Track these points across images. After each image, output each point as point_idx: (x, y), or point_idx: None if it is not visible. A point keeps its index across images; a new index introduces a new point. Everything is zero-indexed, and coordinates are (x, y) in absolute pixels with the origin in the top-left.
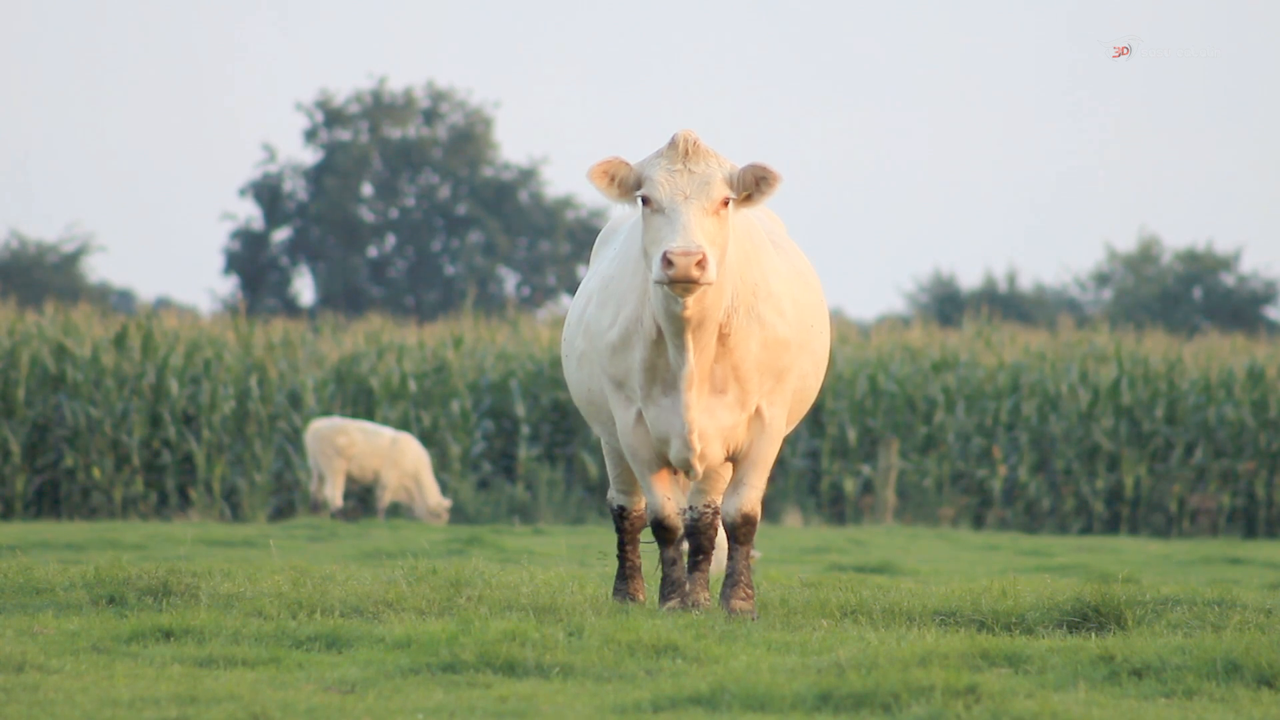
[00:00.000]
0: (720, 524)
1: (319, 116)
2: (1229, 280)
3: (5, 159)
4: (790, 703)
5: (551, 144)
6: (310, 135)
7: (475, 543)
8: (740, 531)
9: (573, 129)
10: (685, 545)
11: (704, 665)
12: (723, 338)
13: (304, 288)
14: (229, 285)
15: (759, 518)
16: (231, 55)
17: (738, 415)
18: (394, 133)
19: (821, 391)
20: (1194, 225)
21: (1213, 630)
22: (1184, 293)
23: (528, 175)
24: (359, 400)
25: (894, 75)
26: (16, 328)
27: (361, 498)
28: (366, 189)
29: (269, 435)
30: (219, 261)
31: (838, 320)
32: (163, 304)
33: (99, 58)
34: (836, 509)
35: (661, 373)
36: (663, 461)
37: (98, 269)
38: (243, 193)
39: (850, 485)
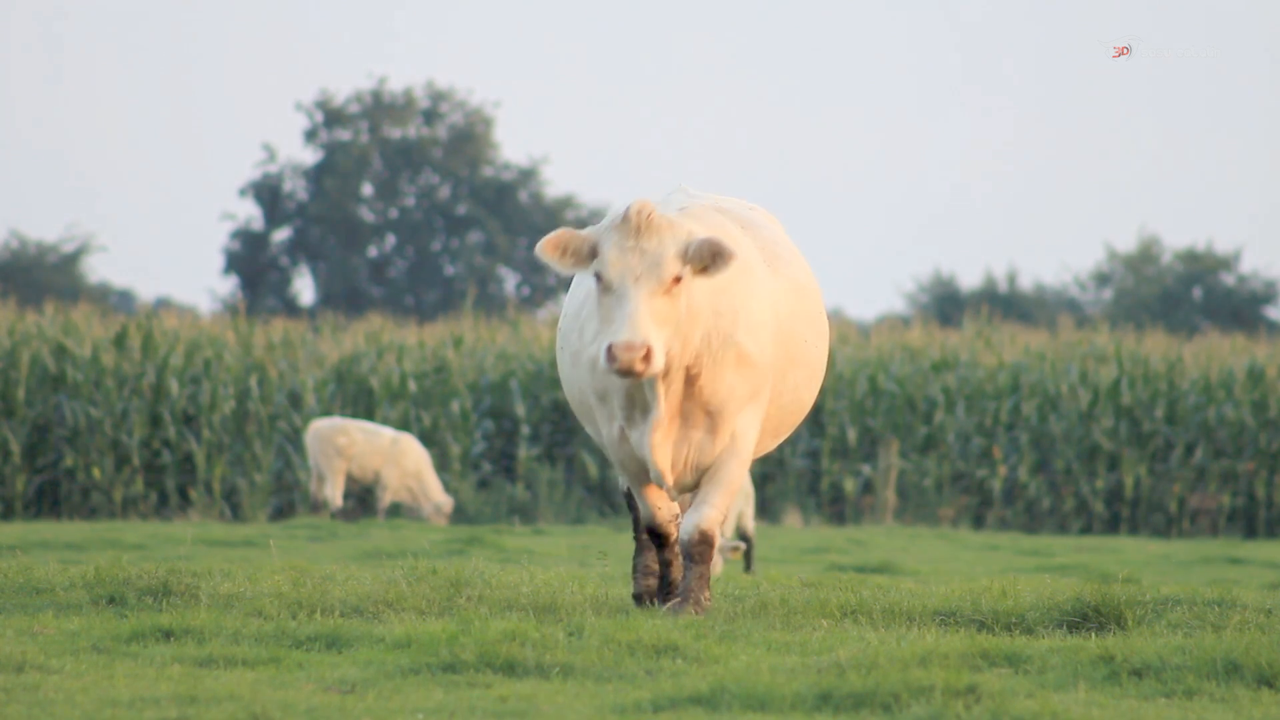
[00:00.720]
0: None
1: (319, 116)
2: (1229, 280)
3: (5, 159)
4: (790, 703)
5: (551, 144)
6: (310, 135)
7: (475, 543)
8: (695, 550)
9: (573, 129)
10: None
11: (704, 665)
12: (692, 379)
13: (304, 288)
14: (229, 285)
15: (717, 538)
16: (231, 55)
17: (709, 445)
18: (394, 133)
19: (822, 391)
20: (1194, 225)
21: (1213, 630)
22: (1184, 293)
23: (528, 175)
24: (359, 400)
25: (894, 75)
26: (16, 328)
27: (361, 498)
28: (366, 189)
29: (269, 435)
30: (219, 261)
31: (838, 320)
32: (163, 304)
33: (99, 58)
34: (836, 509)
35: (639, 399)
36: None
37: (98, 269)
38: (243, 193)
39: (850, 485)
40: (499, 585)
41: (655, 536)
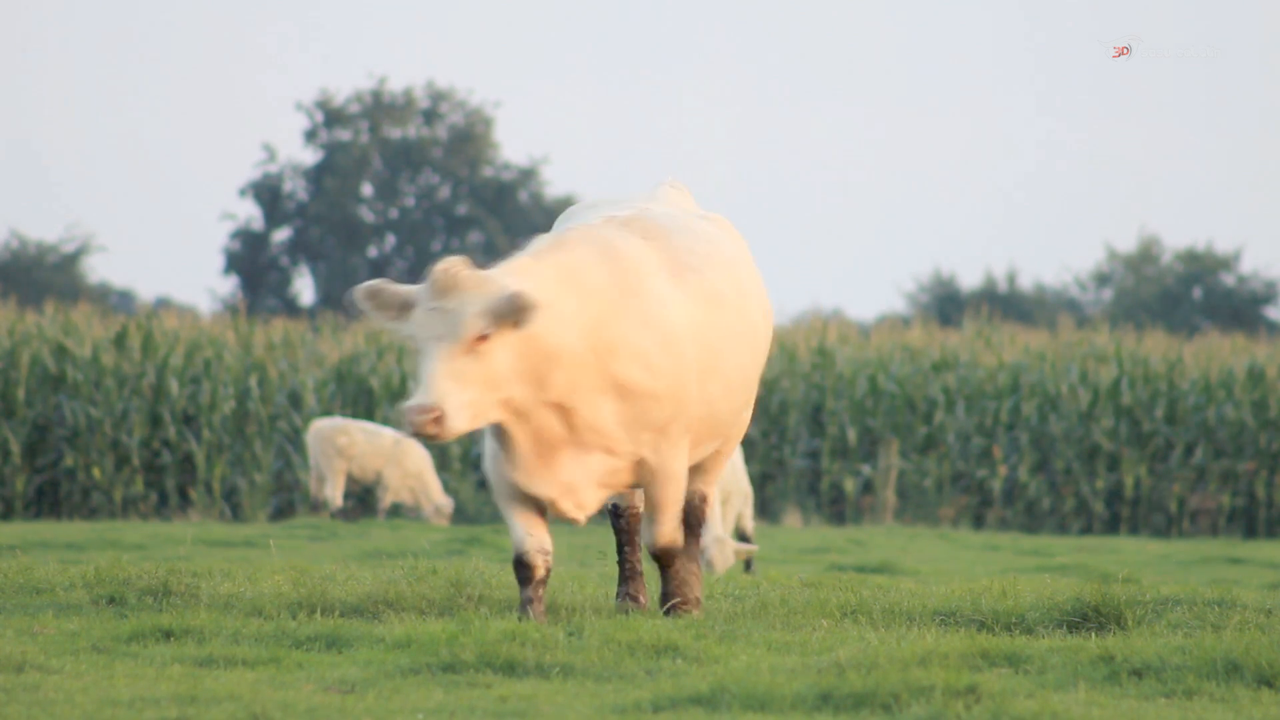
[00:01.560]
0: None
1: (319, 116)
2: (1229, 280)
3: (5, 159)
4: (790, 703)
5: (551, 144)
6: (310, 135)
7: (475, 543)
8: (664, 559)
9: (573, 129)
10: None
11: (704, 665)
12: (567, 411)
13: (304, 288)
14: (229, 285)
15: (680, 542)
16: (231, 55)
17: (610, 464)
18: (394, 133)
19: (822, 392)
20: (1194, 225)
21: (1213, 630)
22: (1184, 293)
23: (528, 175)
24: (359, 400)
25: (894, 74)
26: (16, 328)
27: (361, 498)
28: (366, 189)
29: (269, 435)
30: (219, 261)
31: (838, 320)
32: (163, 304)
33: (99, 58)
34: (836, 509)
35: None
36: (529, 498)
37: (98, 269)
38: (243, 193)
39: (850, 485)
40: (499, 585)
41: (521, 568)
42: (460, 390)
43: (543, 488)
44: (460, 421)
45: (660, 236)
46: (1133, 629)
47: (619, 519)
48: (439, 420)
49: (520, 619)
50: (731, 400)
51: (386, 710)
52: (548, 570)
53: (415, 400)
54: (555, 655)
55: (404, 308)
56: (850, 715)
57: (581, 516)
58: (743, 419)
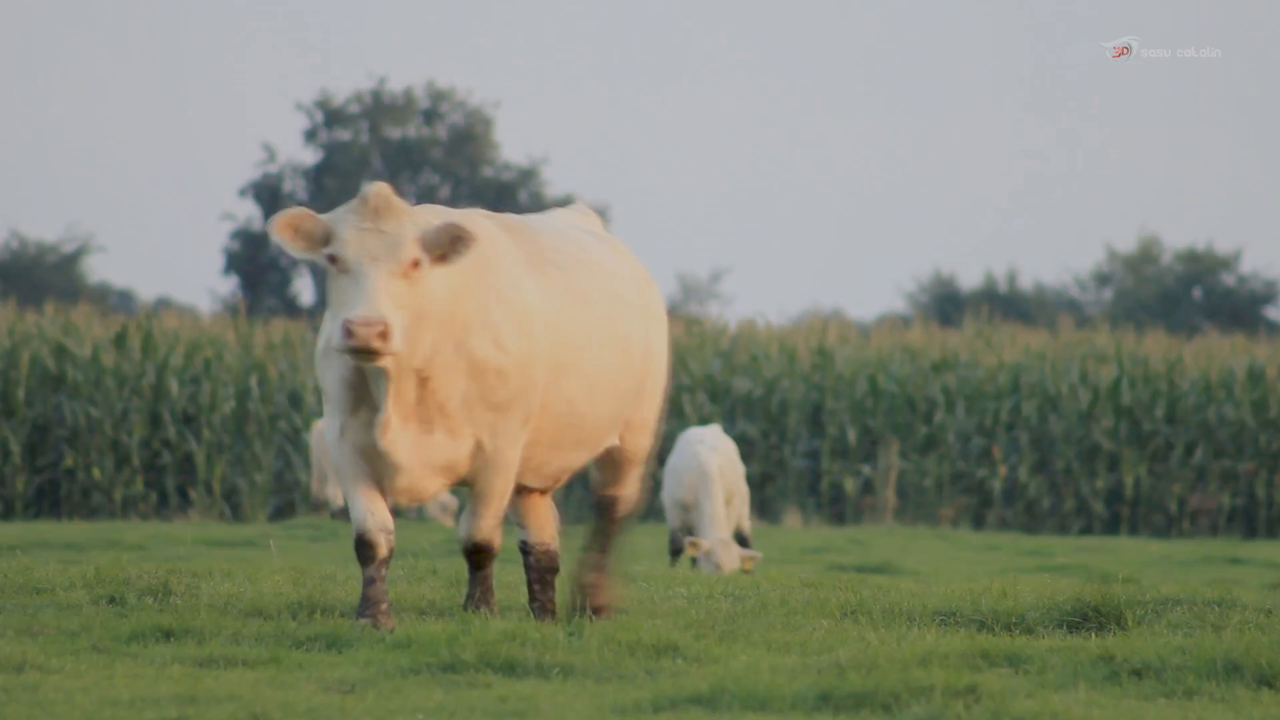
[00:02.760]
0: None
1: (319, 116)
2: (1229, 280)
3: (5, 159)
4: (790, 703)
5: (551, 144)
6: (310, 135)
7: None
8: (476, 558)
9: (573, 129)
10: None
11: (704, 665)
12: (424, 381)
13: (304, 288)
14: (229, 285)
15: (496, 543)
16: (231, 55)
17: (451, 449)
18: (394, 133)
19: (822, 392)
20: (1194, 225)
21: (1213, 630)
22: (1184, 293)
23: (528, 175)
24: None
25: (894, 74)
26: (16, 328)
27: None
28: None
29: (269, 435)
30: (219, 261)
31: (838, 320)
32: (163, 304)
33: (99, 58)
34: (836, 509)
35: (365, 397)
36: (371, 476)
37: (98, 269)
38: (243, 193)
39: (850, 485)
40: (499, 585)
41: (362, 548)
42: (398, 313)
43: (400, 453)
44: (400, 342)
45: (524, 233)
46: (1133, 629)
47: (527, 555)
48: (384, 335)
49: (364, 609)
50: (596, 406)
51: (386, 710)
52: (390, 550)
53: (359, 312)
54: (555, 655)
55: (326, 237)
56: (850, 715)
57: (411, 502)
58: (624, 438)
